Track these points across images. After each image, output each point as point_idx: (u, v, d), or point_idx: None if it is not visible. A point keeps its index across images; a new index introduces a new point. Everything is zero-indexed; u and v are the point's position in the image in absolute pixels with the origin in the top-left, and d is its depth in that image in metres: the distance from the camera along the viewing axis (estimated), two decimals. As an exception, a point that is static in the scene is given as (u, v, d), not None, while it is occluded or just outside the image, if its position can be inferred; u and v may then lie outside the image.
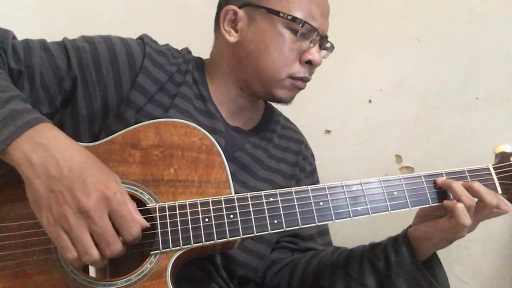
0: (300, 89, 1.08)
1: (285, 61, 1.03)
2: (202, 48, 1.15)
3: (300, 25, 1.01)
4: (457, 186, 0.91)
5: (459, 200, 0.90)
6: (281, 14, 1.01)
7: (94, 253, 0.73)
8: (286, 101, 1.10)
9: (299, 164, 1.19)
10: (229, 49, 1.08)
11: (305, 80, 1.07)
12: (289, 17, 1.01)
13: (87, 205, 0.72)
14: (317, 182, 1.27)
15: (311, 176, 1.24)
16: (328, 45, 1.10)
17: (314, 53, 1.04)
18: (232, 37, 1.06)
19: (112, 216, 0.75)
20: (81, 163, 0.75)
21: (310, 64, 1.05)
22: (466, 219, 0.89)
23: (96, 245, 0.74)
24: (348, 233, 1.41)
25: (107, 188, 0.74)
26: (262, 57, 1.03)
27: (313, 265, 1.10)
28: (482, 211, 0.91)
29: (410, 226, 1.01)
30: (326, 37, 1.08)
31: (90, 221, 0.72)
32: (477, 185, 0.91)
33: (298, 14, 1.01)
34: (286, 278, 1.13)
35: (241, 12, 1.05)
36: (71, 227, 0.72)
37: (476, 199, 0.91)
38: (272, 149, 1.15)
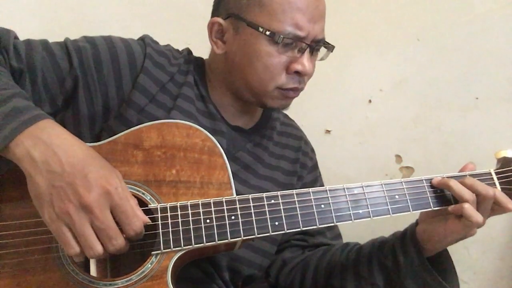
0: (292, 98, 1.06)
1: (270, 75, 1.00)
2: (203, 48, 1.15)
3: (280, 40, 0.97)
4: (455, 184, 0.90)
5: (461, 199, 0.89)
6: (260, 29, 0.97)
7: (98, 247, 0.74)
8: (280, 109, 1.09)
9: (299, 161, 1.19)
10: (221, 59, 1.07)
11: (295, 90, 1.04)
12: (267, 33, 0.97)
13: (88, 200, 0.72)
14: (320, 177, 1.27)
15: (313, 172, 1.24)
16: (324, 48, 1.07)
17: (302, 63, 0.99)
18: (220, 49, 1.05)
19: (114, 211, 0.75)
20: (82, 159, 0.75)
21: (299, 74, 1.01)
22: (478, 217, 0.88)
23: (99, 240, 0.74)
24: (349, 233, 1.41)
25: (109, 183, 0.75)
26: (247, 71, 1.01)
27: (323, 264, 1.11)
28: (481, 204, 0.90)
29: (416, 223, 1.00)
30: (318, 41, 1.03)
31: (92, 216, 0.73)
32: (470, 180, 0.91)
33: (281, 26, 0.97)
34: (299, 277, 1.14)
35: (225, 24, 1.03)
36: (73, 223, 0.72)
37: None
38: (272, 146, 1.15)
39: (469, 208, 0.88)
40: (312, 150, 1.28)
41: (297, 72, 1.01)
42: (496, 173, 0.96)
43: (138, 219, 0.77)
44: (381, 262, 1.02)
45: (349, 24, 1.65)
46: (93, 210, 0.72)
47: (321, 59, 1.09)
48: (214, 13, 1.08)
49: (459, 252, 1.56)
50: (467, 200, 0.89)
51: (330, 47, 1.08)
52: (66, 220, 0.72)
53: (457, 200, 0.91)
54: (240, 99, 1.08)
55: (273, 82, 1.01)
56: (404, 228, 1.03)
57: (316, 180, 1.24)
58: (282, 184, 1.13)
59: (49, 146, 0.74)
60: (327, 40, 1.06)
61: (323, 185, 1.25)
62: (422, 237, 0.97)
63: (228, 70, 1.06)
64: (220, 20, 1.04)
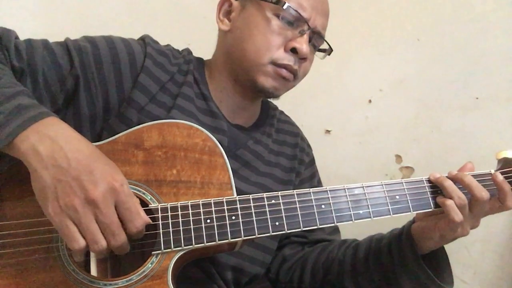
0: (284, 78, 1.04)
1: (267, 45, 1.02)
2: (203, 49, 1.15)
3: (284, 8, 1.00)
4: (449, 185, 0.92)
5: (449, 197, 0.91)
6: None
7: (103, 242, 0.74)
8: (271, 92, 1.06)
9: (297, 157, 1.20)
10: (223, 40, 1.10)
11: (289, 68, 1.03)
12: (274, 0, 1.01)
13: (94, 195, 0.72)
14: (317, 172, 1.28)
15: (311, 167, 1.25)
16: (325, 46, 1.10)
17: (301, 42, 1.02)
18: (225, 26, 1.08)
19: (118, 207, 0.75)
20: (88, 155, 0.76)
21: (296, 53, 1.02)
22: (457, 216, 0.90)
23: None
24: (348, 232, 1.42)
25: (114, 179, 0.75)
26: (246, 41, 1.03)
27: (321, 261, 1.12)
28: (475, 206, 0.92)
29: (413, 220, 1.02)
30: (319, 32, 1.06)
31: (97, 211, 0.73)
32: (468, 179, 0.92)
33: (286, 1, 1.01)
34: (298, 273, 1.15)
35: (235, 3, 1.08)
36: (79, 217, 0.72)
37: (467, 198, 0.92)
38: (271, 143, 1.16)
39: (450, 205, 0.90)
40: (309, 146, 1.29)
41: (294, 51, 1.02)
42: None
43: (140, 217, 0.77)
44: (378, 259, 1.04)
45: (349, 24, 1.65)
46: (99, 205, 0.73)
47: (321, 58, 1.12)
48: None
49: (459, 252, 1.56)
50: (454, 200, 0.90)
51: (328, 50, 1.11)
52: (71, 214, 0.72)
53: None
54: (239, 85, 1.08)
55: (268, 53, 1.02)
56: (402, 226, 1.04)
57: (313, 175, 1.25)
58: (281, 181, 1.14)
59: (55, 142, 0.75)
60: (328, 40, 1.09)
61: (320, 180, 1.28)
62: (416, 235, 0.99)
63: (227, 49, 1.08)
64: None
